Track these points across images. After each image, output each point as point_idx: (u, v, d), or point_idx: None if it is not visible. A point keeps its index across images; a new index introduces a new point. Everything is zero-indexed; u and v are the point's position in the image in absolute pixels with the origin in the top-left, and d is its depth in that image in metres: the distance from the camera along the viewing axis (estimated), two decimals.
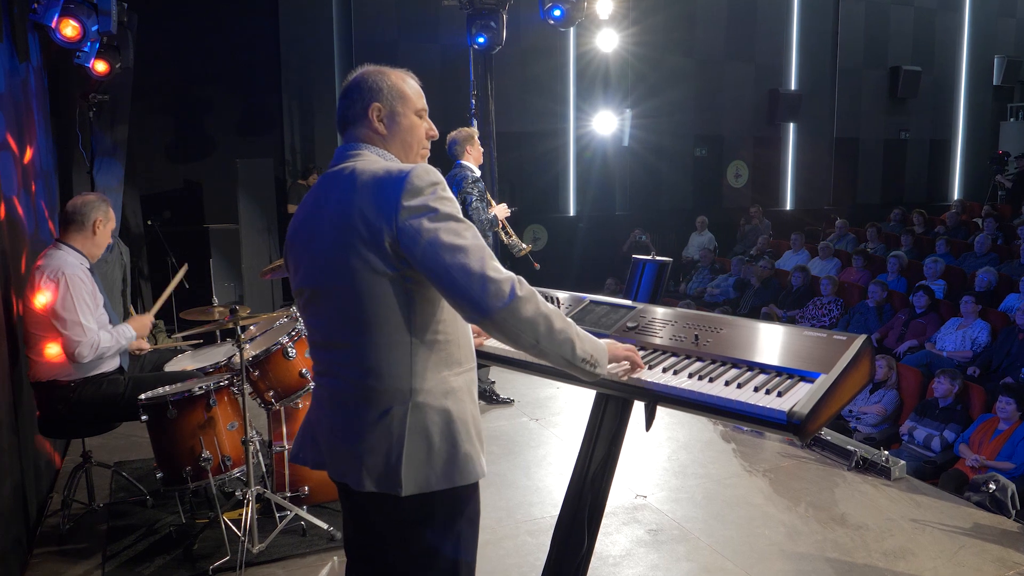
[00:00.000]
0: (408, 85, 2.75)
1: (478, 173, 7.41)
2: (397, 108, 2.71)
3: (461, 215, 2.47)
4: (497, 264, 2.43)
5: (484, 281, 2.36)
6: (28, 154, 6.25)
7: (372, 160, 2.61)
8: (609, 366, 2.71)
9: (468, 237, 2.42)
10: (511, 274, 2.44)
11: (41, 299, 4.92)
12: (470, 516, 2.66)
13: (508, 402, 8.17)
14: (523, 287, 2.44)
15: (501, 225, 7.52)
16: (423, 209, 2.40)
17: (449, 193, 2.49)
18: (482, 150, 7.66)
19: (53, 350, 5.00)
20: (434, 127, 2.80)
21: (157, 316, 6.11)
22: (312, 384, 5.52)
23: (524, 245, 7.67)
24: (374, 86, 2.69)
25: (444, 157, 7.19)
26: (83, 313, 4.96)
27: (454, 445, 2.54)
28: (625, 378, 2.80)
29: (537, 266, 7.64)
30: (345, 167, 2.59)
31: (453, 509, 2.59)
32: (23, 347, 5.12)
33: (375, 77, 2.71)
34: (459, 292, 2.38)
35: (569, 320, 2.55)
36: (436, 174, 2.48)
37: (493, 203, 7.54)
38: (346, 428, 2.57)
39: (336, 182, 2.58)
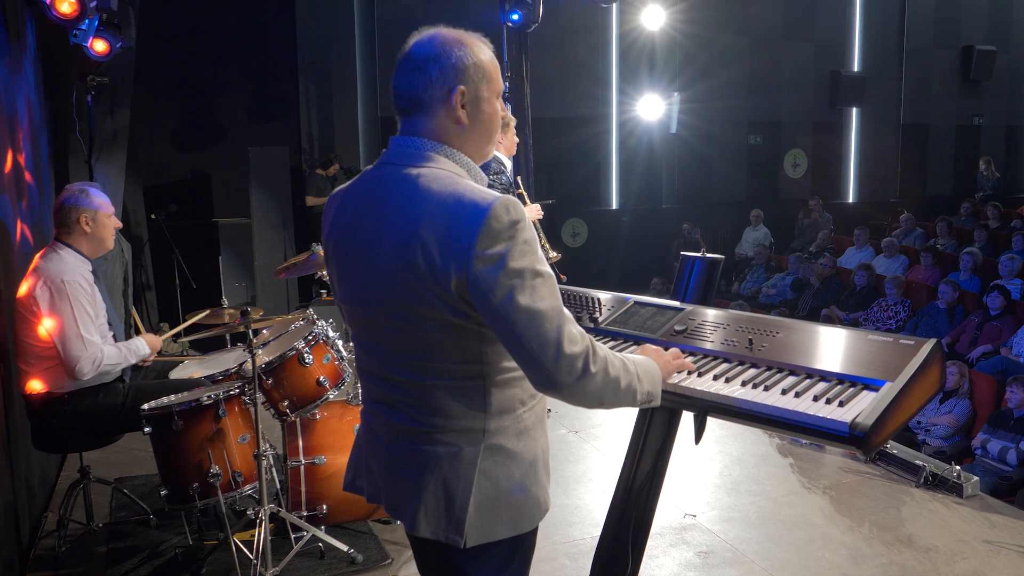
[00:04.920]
0: (492, 61, 2.52)
1: (509, 165, 7.29)
2: (482, 92, 2.48)
3: (541, 260, 2.32)
4: (573, 329, 2.32)
5: (558, 356, 2.27)
6: (21, 143, 6.26)
7: (443, 176, 2.37)
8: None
9: (546, 297, 2.28)
10: (586, 342, 2.35)
11: (36, 307, 4.87)
12: (525, 555, 2.62)
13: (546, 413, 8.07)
14: (596, 359, 2.35)
15: None
16: (500, 259, 2.23)
17: (529, 232, 2.30)
18: (517, 140, 7.51)
19: (48, 360, 4.96)
20: (507, 111, 2.54)
21: (160, 318, 6.12)
22: (360, 407, 5.56)
23: (553, 254, 7.64)
24: (459, 63, 2.42)
25: None
26: (83, 324, 4.89)
27: (524, 491, 2.50)
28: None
29: (564, 278, 7.49)
30: (410, 173, 2.40)
31: (512, 551, 2.55)
32: (14, 355, 5.11)
33: (458, 50, 2.43)
34: (529, 361, 2.30)
35: (628, 364, 2.49)
36: (517, 209, 2.29)
37: (527, 201, 7.49)
38: (407, 464, 2.49)
39: (399, 192, 2.39)
